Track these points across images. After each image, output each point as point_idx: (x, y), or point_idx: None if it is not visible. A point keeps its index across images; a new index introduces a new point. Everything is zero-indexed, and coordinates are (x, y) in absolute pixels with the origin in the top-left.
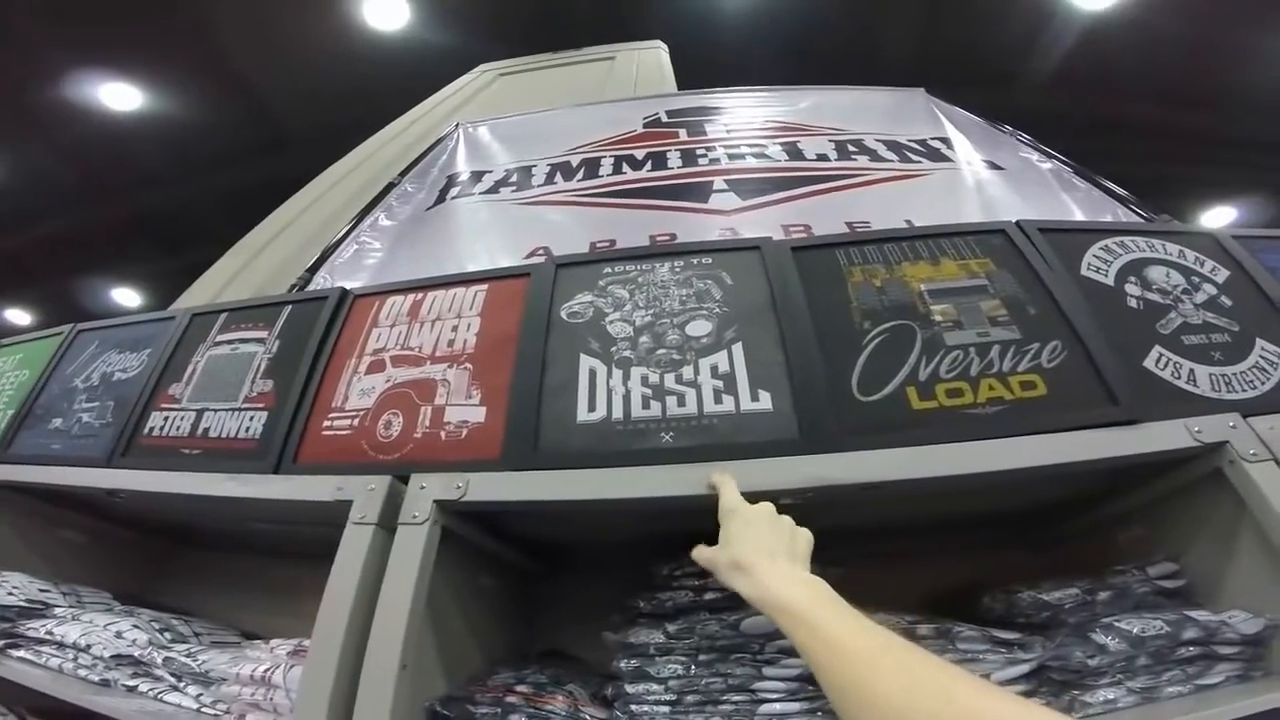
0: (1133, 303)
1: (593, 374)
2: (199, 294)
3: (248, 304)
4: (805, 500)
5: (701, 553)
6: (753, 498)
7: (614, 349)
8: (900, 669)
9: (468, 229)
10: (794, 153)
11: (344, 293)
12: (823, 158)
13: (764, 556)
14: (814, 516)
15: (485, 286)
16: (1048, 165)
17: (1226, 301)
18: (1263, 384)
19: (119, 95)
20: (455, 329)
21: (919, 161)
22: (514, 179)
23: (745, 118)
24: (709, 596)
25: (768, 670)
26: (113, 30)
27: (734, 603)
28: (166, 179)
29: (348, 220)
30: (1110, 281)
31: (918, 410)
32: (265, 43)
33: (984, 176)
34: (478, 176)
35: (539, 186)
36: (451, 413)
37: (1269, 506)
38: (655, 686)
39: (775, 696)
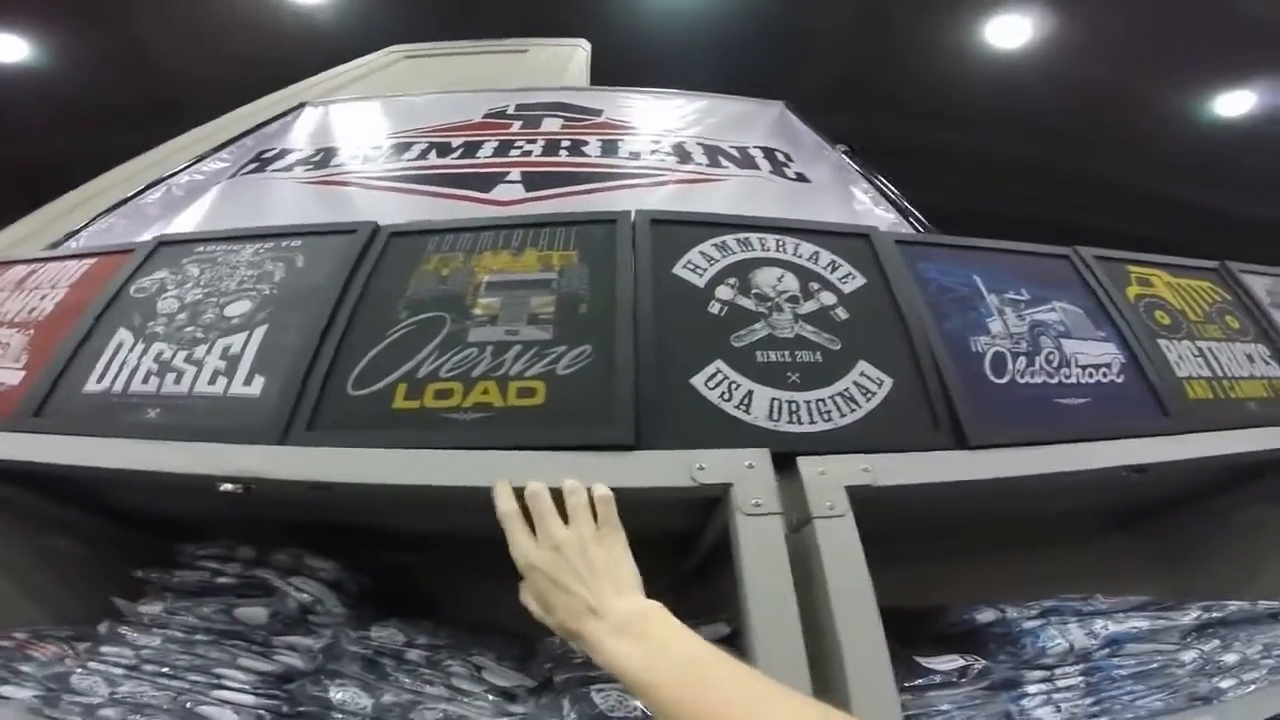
0: (715, 308)
1: (119, 346)
2: None
3: None
4: (251, 494)
5: (534, 611)
6: (192, 481)
7: (150, 324)
8: None
9: (236, 204)
10: (609, 149)
11: None
12: (634, 156)
13: (588, 617)
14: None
15: (94, 261)
16: (858, 184)
17: (840, 314)
18: (846, 414)
19: (3, 46)
20: (43, 298)
21: (726, 167)
22: (317, 158)
23: (587, 114)
24: (221, 580)
25: (244, 659)
26: None
27: (253, 591)
28: (40, 133)
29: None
30: (701, 283)
31: (397, 409)
32: (172, 5)
33: (784, 186)
34: (284, 154)
35: (332, 166)
36: None
37: (745, 579)
38: (126, 651)
39: (235, 685)
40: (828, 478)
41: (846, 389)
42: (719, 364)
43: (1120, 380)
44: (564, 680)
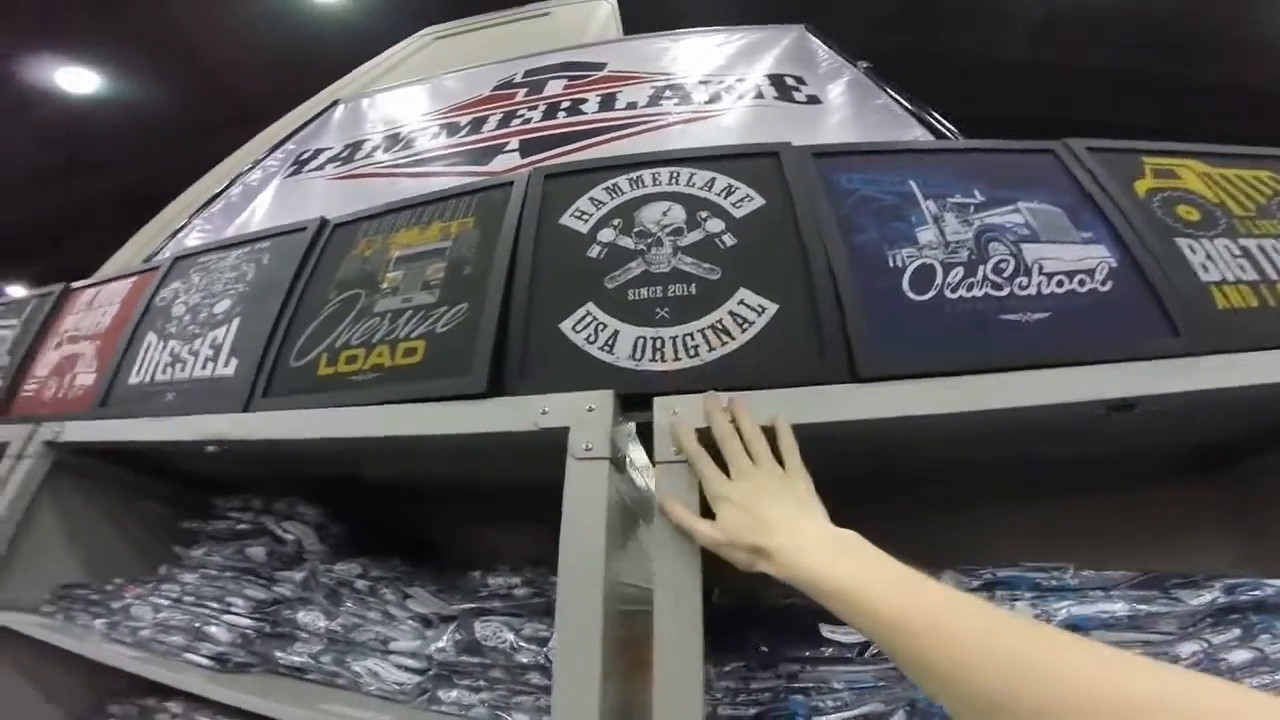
0: (595, 251)
1: (149, 346)
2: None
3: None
4: (226, 451)
5: (706, 536)
6: (189, 446)
7: (168, 326)
8: (980, 646)
9: (283, 207)
10: (606, 103)
11: (65, 288)
12: (632, 105)
13: (781, 535)
14: None
15: (134, 279)
16: (877, 100)
17: (726, 241)
18: (715, 348)
19: (75, 79)
20: (104, 315)
21: (724, 100)
22: (344, 154)
23: (591, 70)
24: (240, 527)
25: (250, 590)
26: (66, 14)
27: (258, 534)
28: (129, 157)
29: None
30: (585, 229)
31: (321, 376)
32: (216, 17)
33: (787, 111)
34: (318, 154)
35: (356, 161)
36: (80, 378)
37: (564, 525)
38: (175, 588)
39: (238, 610)
40: (680, 419)
41: (720, 320)
42: (589, 306)
43: (1105, 289)
44: (461, 610)
